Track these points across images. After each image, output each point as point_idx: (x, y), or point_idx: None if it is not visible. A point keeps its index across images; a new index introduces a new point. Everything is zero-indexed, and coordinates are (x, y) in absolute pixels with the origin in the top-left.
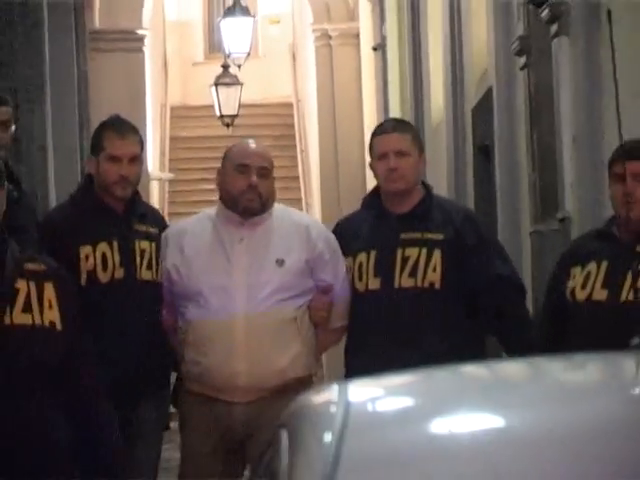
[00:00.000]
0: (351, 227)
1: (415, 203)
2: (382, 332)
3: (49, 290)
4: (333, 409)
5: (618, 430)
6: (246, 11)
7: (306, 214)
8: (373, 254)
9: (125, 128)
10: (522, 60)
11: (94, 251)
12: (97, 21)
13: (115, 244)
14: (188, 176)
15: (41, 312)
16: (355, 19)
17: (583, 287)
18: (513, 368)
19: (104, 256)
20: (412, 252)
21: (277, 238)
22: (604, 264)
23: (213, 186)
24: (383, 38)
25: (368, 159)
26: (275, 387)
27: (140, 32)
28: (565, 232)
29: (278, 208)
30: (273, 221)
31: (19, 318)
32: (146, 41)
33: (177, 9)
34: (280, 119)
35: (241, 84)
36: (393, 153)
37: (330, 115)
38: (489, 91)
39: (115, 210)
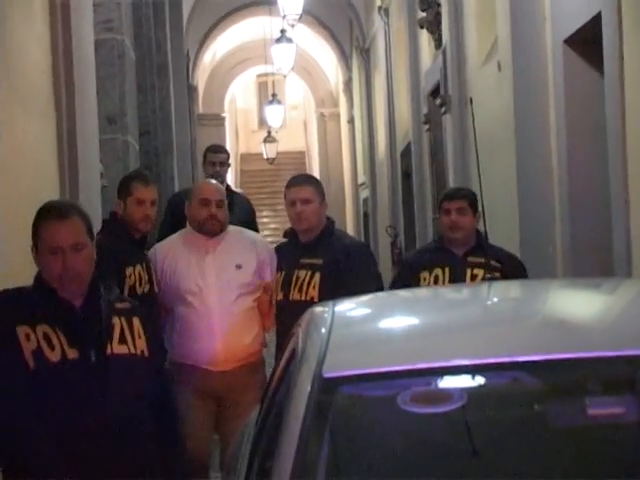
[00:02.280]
0: (279, 251)
1: (315, 235)
2: (285, 332)
3: (136, 324)
4: (326, 315)
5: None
6: (279, 102)
7: (253, 233)
8: (282, 274)
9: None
10: (426, 127)
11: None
12: (200, 109)
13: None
14: (251, 189)
15: (133, 343)
16: (337, 106)
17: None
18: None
19: (139, 275)
20: (302, 273)
21: (235, 249)
22: (447, 269)
23: (264, 195)
24: (352, 116)
25: (345, 179)
26: (242, 358)
27: (223, 114)
28: None
29: (232, 228)
30: (230, 238)
31: (117, 349)
32: (226, 119)
33: (243, 100)
34: (298, 160)
35: (277, 141)
36: (300, 201)
37: (325, 156)
38: (409, 143)
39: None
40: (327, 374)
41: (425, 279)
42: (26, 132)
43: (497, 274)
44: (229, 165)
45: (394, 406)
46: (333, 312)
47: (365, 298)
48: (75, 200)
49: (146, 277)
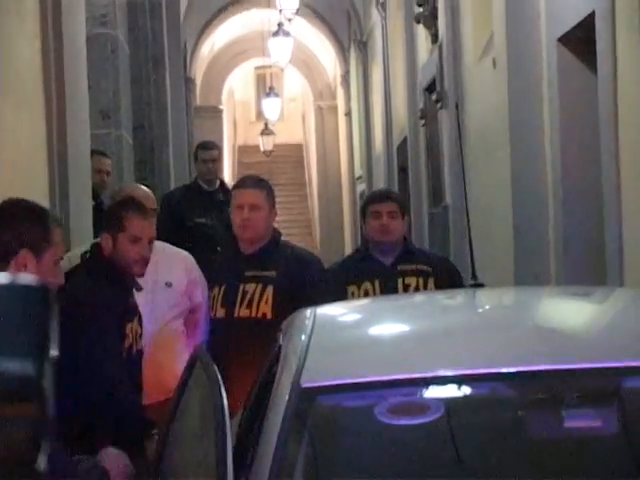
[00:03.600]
0: (216, 262)
1: (261, 246)
2: (226, 354)
3: None
4: (307, 321)
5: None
6: (276, 95)
7: (179, 249)
8: (223, 288)
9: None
10: (422, 121)
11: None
12: (198, 101)
13: None
14: None
15: None
16: (335, 98)
17: None
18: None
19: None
20: (250, 287)
21: (162, 266)
22: (377, 282)
23: None
24: (350, 109)
25: (342, 172)
26: (172, 389)
27: (220, 107)
28: (445, 214)
29: (156, 244)
30: (156, 254)
31: None
32: (224, 111)
33: (241, 92)
34: (296, 152)
35: (274, 134)
36: (248, 206)
37: (322, 149)
38: (405, 138)
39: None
40: (305, 384)
41: (354, 294)
42: (15, 128)
43: (430, 280)
44: (221, 161)
45: (372, 417)
46: (314, 317)
47: (348, 303)
48: (65, 198)
49: (140, 331)
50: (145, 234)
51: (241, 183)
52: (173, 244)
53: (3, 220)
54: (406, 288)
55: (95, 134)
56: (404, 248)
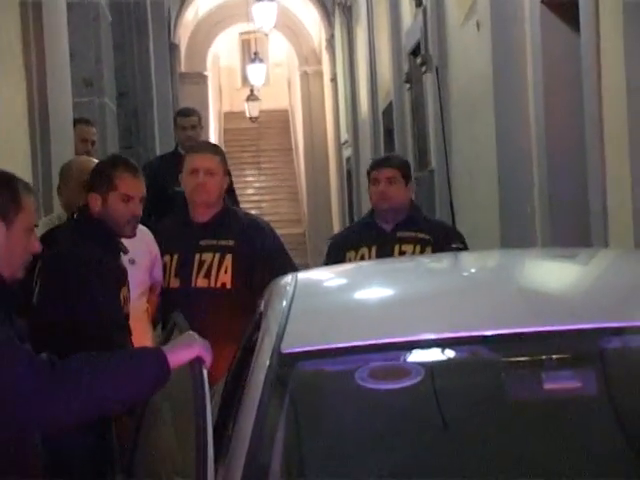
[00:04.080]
0: (166, 230)
1: (214, 214)
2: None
3: None
4: (288, 287)
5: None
6: (261, 60)
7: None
8: (175, 256)
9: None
10: (407, 85)
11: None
12: (182, 67)
13: None
14: (234, 148)
15: None
16: (320, 64)
17: None
18: (400, 261)
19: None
20: (207, 256)
21: (126, 242)
22: (374, 248)
23: (248, 153)
24: (335, 74)
25: (328, 137)
26: None
27: (205, 73)
28: (431, 178)
29: None
30: None
31: None
32: (209, 77)
33: (226, 58)
34: (282, 117)
35: (260, 100)
36: (203, 170)
37: (308, 115)
38: (391, 102)
39: None
40: (285, 349)
41: (350, 259)
42: None
43: (428, 248)
44: (202, 127)
45: (353, 382)
46: (296, 283)
47: (331, 269)
48: (47, 170)
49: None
50: (137, 192)
51: (196, 148)
52: (155, 214)
53: None
54: (402, 255)
55: (78, 102)
56: (407, 215)
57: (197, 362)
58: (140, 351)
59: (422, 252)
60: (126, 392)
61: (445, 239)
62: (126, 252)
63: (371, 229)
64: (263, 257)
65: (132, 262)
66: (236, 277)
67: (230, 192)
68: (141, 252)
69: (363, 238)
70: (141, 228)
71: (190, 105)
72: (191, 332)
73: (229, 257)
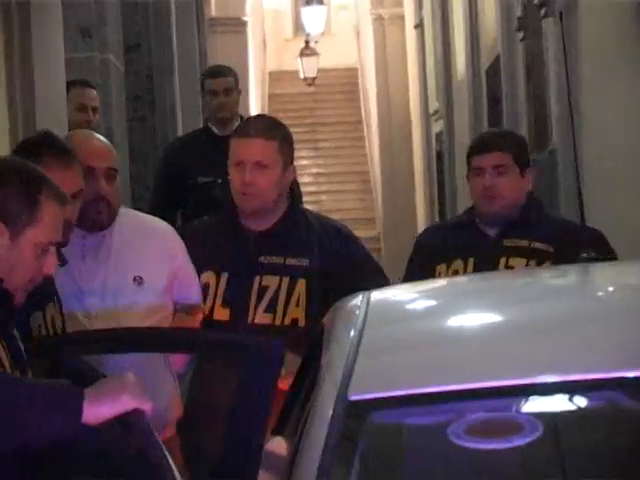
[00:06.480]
0: (206, 236)
1: (277, 219)
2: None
3: None
4: (357, 310)
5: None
6: (321, 1)
7: (158, 220)
8: (224, 277)
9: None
10: (520, 35)
11: None
12: (213, 11)
13: None
14: (283, 121)
15: None
16: (401, 5)
17: None
18: (495, 277)
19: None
20: (271, 280)
21: (131, 250)
22: (471, 260)
23: (302, 128)
24: (421, 19)
25: (411, 107)
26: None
27: (244, 18)
28: (552, 160)
29: (123, 211)
30: (122, 229)
31: None
32: (249, 25)
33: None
34: (348, 79)
35: (318, 55)
36: (251, 164)
37: (384, 75)
38: (497, 58)
39: None
40: (354, 396)
41: (441, 274)
42: None
43: (548, 264)
44: (239, 91)
45: (445, 439)
46: (367, 305)
47: (415, 286)
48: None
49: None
50: (67, 187)
51: (243, 129)
52: (164, 217)
53: None
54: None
55: (72, 58)
56: (520, 214)
57: (136, 417)
58: (52, 387)
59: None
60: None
61: (572, 246)
62: (63, 263)
63: (469, 234)
64: (349, 279)
65: (139, 281)
66: (312, 310)
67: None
68: (155, 266)
69: (457, 246)
70: (158, 226)
71: (224, 62)
72: (125, 374)
73: (302, 283)
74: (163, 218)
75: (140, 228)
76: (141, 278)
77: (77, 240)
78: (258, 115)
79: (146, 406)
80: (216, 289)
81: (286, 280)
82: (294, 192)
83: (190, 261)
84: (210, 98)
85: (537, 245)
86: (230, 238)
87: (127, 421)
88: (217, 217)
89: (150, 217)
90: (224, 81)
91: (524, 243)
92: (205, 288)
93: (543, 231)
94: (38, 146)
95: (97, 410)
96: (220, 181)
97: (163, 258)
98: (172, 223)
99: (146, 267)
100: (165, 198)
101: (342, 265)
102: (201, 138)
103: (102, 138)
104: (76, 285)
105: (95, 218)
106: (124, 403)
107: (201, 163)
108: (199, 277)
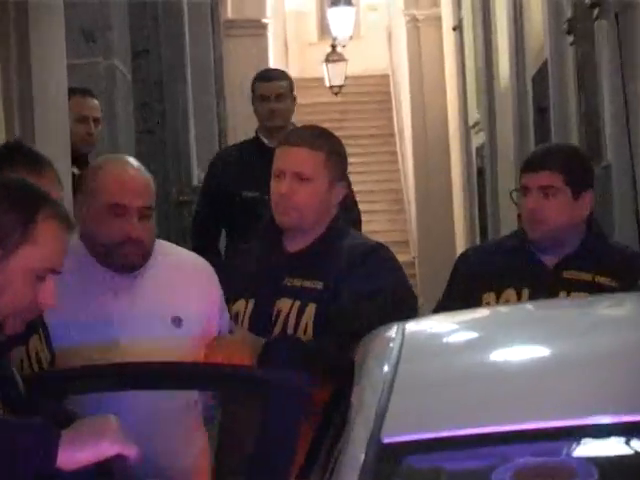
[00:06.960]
0: (243, 261)
1: (313, 240)
2: None
3: None
4: (391, 343)
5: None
6: (349, 1)
7: (194, 254)
8: (251, 304)
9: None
10: (570, 38)
11: None
12: (229, 12)
13: None
14: None
15: None
16: (438, 5)
17: None
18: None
19: None
20: (284, 305)
21: (169, 288)
22: (526, 292)
23: None
24: (460, 20)
25: (449, 117)
26: None
27: (264, 20)
28: (607, 176)
29: (159, 244)
30: (160, 265)
31: None
32: (269, 27)
33: (294, 0)
34: (379, 88)
35: (346, 60)
36: (291, 175)
37: (419, 83)
38: (545, 63)
39: None
40: (388, 438)
41: (489, 305)
42: None
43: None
44: (294, 98)
45: None
46: (402, 338)
47: (455, 316)
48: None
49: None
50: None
51: (287, 136)
52: (207, 236)
53: None
54: None
55: (75, 65)
56: (581, 242)
57: (119, 463)
58: (25, 427)
59: None
60: None
61: (632, 274)
62: None
63: (521, 260)
64: (369, 306)
65: (177, 322)
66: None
67: (345, 206)
68: (193, 304)
69: (509, 274)
70: (196, 262)
71: (240, 68)
72: (106, 416)
73: (312, 307)
74: (206, 237)
75: (175, 266)
76: (179, 319)
77: (106, 276)
78: (310, 125)
79: (129, 451)
80: (243, 316)
81: (297, 304)
82: (350, 211)
83: (220, 296)
84: (260, 104)
85: (601, 279)
86: (265, 260)
87: (108, 467)
88: (261, 239)
89: (186, 252)
90: (276, 85)
91: (587, 277)
92: (236, 317)
93: (606, 263)
94: (10, 154)
95: (73, 455)
96: (267, 197)
97: (201, 298)
98: (215, 243)
99: (184, 308)
100: (208, 215)
101: (360, 292)
102: (249, 149)
103: (140, 168)
104: (105, 327)
105: (123, 262)
106: (105, 448)
107: (245, 177)
108: (232, 306)
